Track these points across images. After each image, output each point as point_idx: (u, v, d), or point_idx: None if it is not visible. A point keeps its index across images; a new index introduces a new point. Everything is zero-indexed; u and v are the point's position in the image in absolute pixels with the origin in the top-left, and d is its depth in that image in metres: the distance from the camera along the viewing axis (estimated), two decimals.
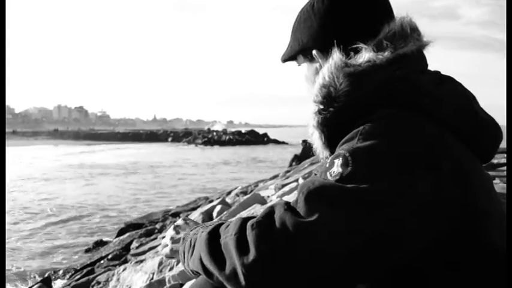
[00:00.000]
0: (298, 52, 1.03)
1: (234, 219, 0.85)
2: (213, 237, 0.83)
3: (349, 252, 0.70)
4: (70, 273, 6.40)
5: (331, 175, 0.75)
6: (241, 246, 0.74)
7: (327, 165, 0.78)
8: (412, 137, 0.77)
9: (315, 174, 0.84)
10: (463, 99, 0.88)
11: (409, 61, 0.87)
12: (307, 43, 0.99)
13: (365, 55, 0.86)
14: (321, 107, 0.87)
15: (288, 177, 8.56)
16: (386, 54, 0.86)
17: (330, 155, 0.88)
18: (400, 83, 0.83)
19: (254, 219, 0.76)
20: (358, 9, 0.94)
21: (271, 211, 0.77)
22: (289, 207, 0.76)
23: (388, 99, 0.82)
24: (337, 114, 0.86)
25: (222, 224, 0.86)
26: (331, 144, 0.89)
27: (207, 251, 0.81)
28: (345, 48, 0.89)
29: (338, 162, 0.76)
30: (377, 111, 0.81)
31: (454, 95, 0.87)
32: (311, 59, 1.00)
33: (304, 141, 16.23)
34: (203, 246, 0.83)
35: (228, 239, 0.78)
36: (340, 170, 0.75)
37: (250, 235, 0.74)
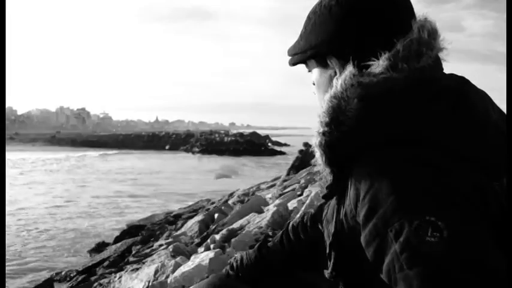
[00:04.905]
0: (310, 57, 0.95)
1: None
2: None
3: None
4: (72, 275, 6.41)
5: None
6: None
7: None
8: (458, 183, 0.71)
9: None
10: (475, 128, 0.77)
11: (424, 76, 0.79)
12: (322, 48, 0.91)
13: (380, 72, 0.79)
14: (326, 128, 0.81)
15: (285, 187, 8.59)
16: (402, 71, 0.78)
17: (330, 173, 0.85)
18: (414, 114, 0.75)
19: None
20: (380, 15, 0.85)
21: None
22: None
23: (400, 134, 0.75)
24: (342, 139, 0.79)
25: None
26: (332, 164, 0.84)
27: None
28: (363, 58, 0.83)
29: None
30: (402, 150, 0.74)
31: (468, 123, 0.77)
32: (324, 65, 0.93)
33: (301, 151, 16.06)
34: None
35: None
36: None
37: None
